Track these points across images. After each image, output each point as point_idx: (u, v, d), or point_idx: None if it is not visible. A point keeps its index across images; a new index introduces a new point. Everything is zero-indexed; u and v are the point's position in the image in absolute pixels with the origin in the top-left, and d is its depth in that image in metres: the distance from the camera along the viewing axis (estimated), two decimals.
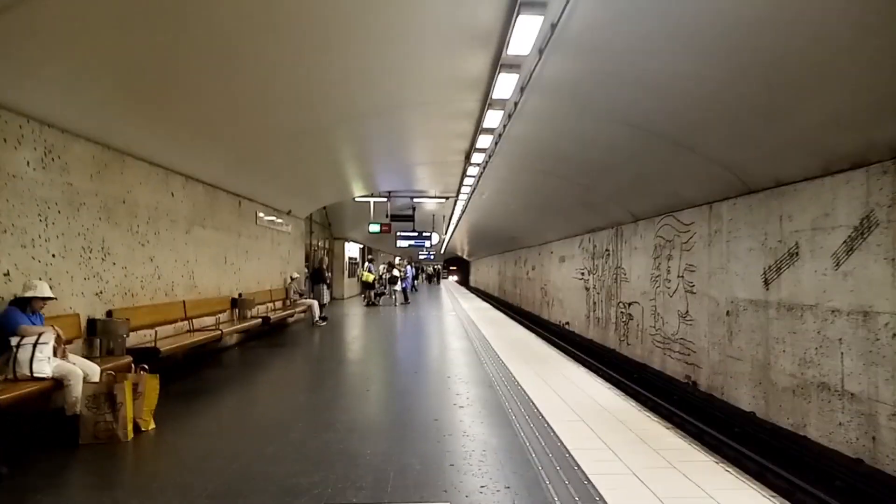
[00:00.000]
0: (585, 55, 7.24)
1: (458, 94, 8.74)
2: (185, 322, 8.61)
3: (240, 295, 11.05)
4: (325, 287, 16.18)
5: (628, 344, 14.72)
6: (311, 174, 13.12)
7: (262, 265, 12.82)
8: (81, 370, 5.09)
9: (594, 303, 17.89)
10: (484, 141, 11.14)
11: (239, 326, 10.14)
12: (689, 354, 11.29)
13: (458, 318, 17.25)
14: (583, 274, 19.11)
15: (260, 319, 10.96)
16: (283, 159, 10.54)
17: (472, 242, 48.80)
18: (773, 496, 3.59)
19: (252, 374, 8.53)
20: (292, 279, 14.73)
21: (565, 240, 21.22)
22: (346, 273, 26.97)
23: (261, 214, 12.55)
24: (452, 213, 25.32)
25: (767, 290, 8.74)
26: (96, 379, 5.15)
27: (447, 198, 20.08)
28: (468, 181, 15.98)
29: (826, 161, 7.34)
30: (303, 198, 15.12)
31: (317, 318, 14.62)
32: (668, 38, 6.27)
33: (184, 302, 8.54)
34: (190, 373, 8.03)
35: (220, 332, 8.81)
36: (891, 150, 6.37)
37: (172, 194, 8.37)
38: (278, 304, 13.85)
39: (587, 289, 18.63)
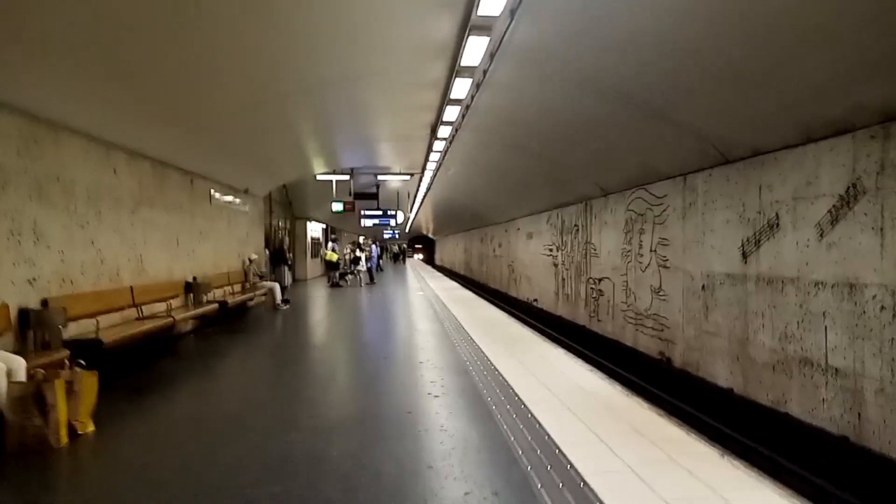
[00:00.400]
0: (557, 16, 6.78)
1: (425, 60, 8.19)
2: (134, 309, 7.96)
3: (194, 279, 10.38)
4: (286, 268, 15.48)
5: (599, 320, 14.50)
6: (268, 149, 12.42)
7: (219, 247, 12.12)
8: (4, 365, 4.47)
9: (563, 279, 17.64)
10: (451, 113, 10.62)
11: (193, 312, 9.48)
12: (662, 330, 11.07)
13: (425, 298, 16.78)
14: (551, 250, 18.83)
15: (216, 304, 10.32)
16: (237, 133, 9.84)
17: (438, 220, 48.32)
18: (792, 496, 3.23)
19: (208, 364, 7.93)
20: (251, 261, 14.04)
21: (532, 216, 20.90)
22: (309, 253, 26.26)
23: (215, 193, 11.83)
24: (418, 190, 24.80)
25: (746, 263, 8.49)
26: (22, 375, 4.54)
27: (412, 174, 19.52)
28: (434, 156, 15.47)
29: (809, 128, 7.03)
30: (261, 175, 14.39)
31: (279, 301, 14.00)
32: None
33: (131, 287, 7.88)
34: (140, 365, 7.39)
35: (171, 319, 8.16)
36: (879, 113, 6.08)
37: (115, 171, 7.66)
38: (237, 287, 13.19)
39: (555, 265, 18.37)
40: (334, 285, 21.73)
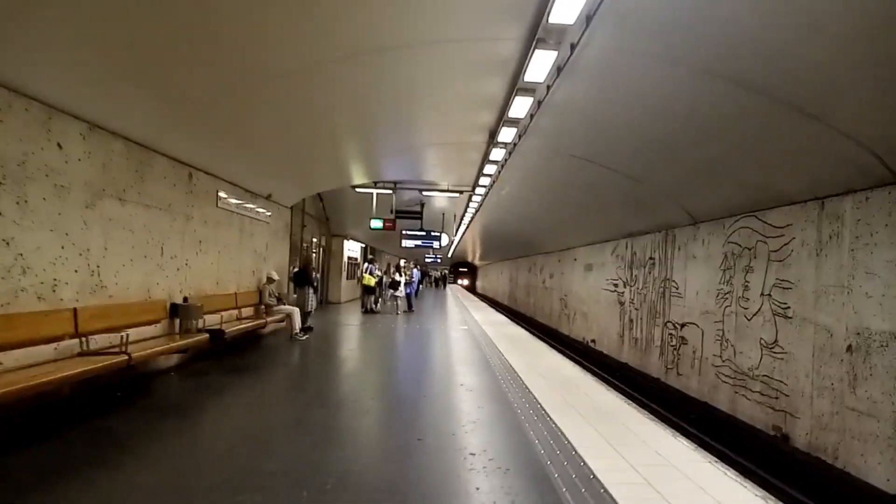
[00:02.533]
0: None
1: (492, 24, 5.96)
2: (77, 342, 5.80)
3: (185, 299, 8.26)
4: (311, 291, 13.20)
5: (679, 374, 11.89)
6: (297, 150, 10.34)
7: (225, 260, 9.96)
8: None
9: (630, 320, 15.07)
10: (518, 107, 8.35)
11: (165, 347, 6.98)
12: (777, 398, 8.47)
13: (471, 335, 14.25)
14: (616, 285, 16.29)
15: (206, 335, 8.04)
16: (255, 120, 7.76)
17: (483, 245, 45.90)
18: None
19: (158, 430, 5.29)
20: (269, 280, 11.90)
21: (594, 245, 18.40)
22: (345, 274, 24.21)
23: (223, 195, 9.71)
24: (465, 211, 22.59)
25: None
26: None
27: (461, 192, 17.30)
28: (488, 169, 13.21)
29: None
30: (287, 180, 12.31)
31: (296, 331, 11.78)
32: None
33: (75, 310, 5.74)
34: (71, 424, 5.17)
35: (126, 356, 5.87)
36: None
37: (60, 146, 5.58)
38: (248, 311, 11.05)
39: (621, 303, 15.81)
40: (369, 311, 19.64)
